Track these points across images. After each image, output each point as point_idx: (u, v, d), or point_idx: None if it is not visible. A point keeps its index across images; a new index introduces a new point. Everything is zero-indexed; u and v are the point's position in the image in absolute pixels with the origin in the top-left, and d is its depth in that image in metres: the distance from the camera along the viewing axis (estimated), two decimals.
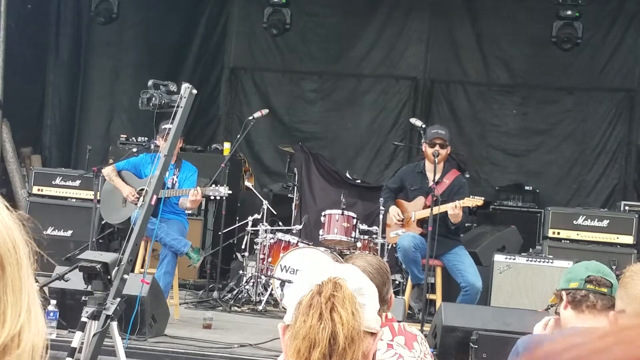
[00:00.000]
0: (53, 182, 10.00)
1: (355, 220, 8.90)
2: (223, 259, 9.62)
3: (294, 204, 10.23)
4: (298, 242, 8.95)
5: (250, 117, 9.56)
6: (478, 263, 8.38)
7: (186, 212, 8.21)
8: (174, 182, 7.96)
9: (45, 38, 12.76)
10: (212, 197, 8.04)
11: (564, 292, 3.26)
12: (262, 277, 8.90)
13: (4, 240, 1.04)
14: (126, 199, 8.20)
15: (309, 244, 8.88)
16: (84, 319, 4.80)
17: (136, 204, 7.70)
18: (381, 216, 8.68)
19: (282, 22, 11.93)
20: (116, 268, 4.89)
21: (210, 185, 8.47)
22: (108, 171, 8.23)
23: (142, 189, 7.45)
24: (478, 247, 9.40)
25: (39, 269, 1.11)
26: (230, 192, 7.95)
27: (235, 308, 8.73)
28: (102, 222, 9.40)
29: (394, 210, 8.08)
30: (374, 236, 9.00)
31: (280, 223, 9.81)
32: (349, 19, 13.09)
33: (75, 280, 5.40)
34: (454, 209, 7.50)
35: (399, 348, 3.17)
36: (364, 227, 9.06)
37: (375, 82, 13.06)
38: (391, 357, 3.13)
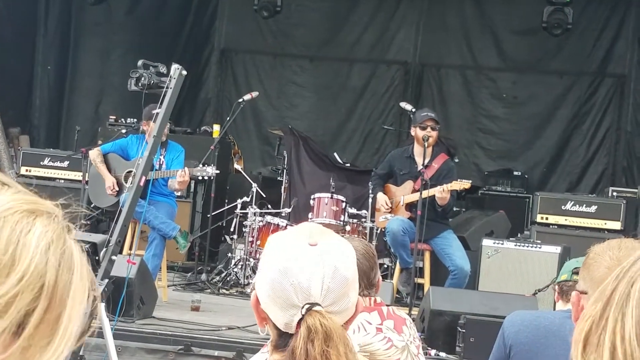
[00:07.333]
0: (41, 163, 9.96)
1: (344, 204, 8.89)
2: (212, 242, 9.60)
3: (283, 187, 10.21)
4: (287, 225, 8.94)
5: (240, 100, 9.53)
6: (466, 247, 8.39)
7: (175, 193, 8.19)
8: (161, 162, 7.93)
9: (34, 18, 12.67)
10: (200, 178, 8.02)
11: (556, 286, 3.31)
12: (251, 259, 8.89)
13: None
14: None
15: None
16: None
17: (115, 196, 7.78)
18: (370, 200, 8.68)
19: (273, 4, 11.88)
20: (104, 249, 4.87)
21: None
22: (94, 155, 8.18)
23: (129, 171, 7.43)
24: (466, 232, 9.41)
25: None
26: (217, 171, 7.96)
27: (224, 291, 8.73)
28: (92, 205, 9.37)
29: (381, 198, 8.10)
30: (363, 220, 8.99)
31: (269, 206, 9.79)
32: (340, 1, 13.04)
33: None
34: (441, 192, 7.52)
35: (388, 332, 3.16)
36: (353, 210, 9.04)
37: (366, 65, 13.03)
38: (380, 341, 3.12)
